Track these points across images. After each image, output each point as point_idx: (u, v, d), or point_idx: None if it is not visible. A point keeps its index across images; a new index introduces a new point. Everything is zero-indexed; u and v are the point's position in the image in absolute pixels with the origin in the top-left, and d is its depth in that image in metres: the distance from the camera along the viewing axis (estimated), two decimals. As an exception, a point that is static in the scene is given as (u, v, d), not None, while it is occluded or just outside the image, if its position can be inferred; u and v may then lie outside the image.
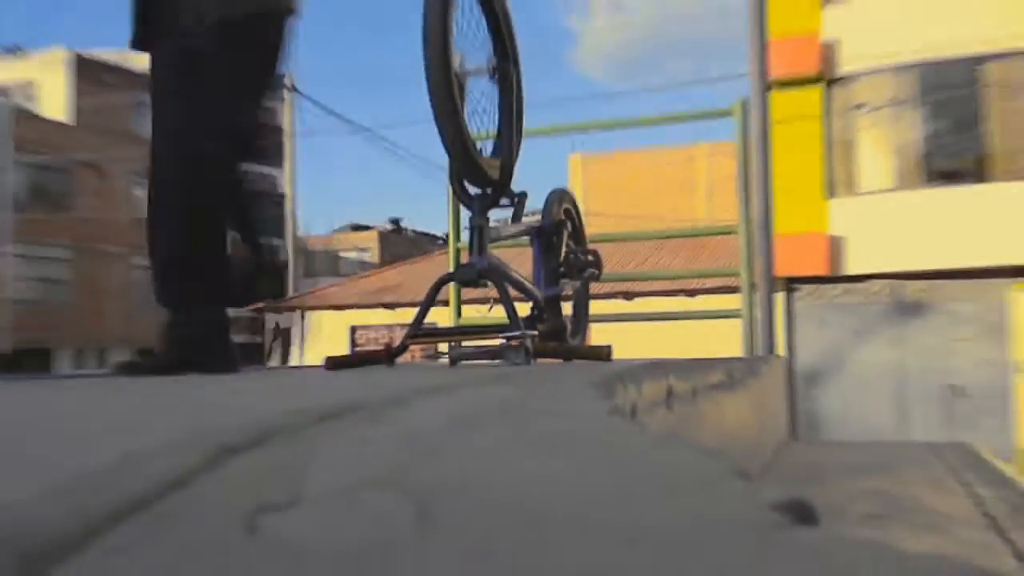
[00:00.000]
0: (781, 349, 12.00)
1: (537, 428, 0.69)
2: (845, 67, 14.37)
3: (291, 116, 25.05)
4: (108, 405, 0.97)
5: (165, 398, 1.03)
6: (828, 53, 14.36)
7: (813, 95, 14.44)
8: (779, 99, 12.01)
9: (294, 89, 24.74)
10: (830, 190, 14.47)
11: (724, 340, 6.67)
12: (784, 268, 11.88)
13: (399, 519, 0.41)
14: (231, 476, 0.49)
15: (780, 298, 13.82)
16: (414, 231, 48.06)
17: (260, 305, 23.53)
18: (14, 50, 31.32)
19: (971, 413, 13.61)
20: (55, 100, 29.68)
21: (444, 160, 2.65)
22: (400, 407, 0.87)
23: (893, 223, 13.95)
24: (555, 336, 2.90)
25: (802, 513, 0.40)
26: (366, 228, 46.63)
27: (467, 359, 2.64)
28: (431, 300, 2.65)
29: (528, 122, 3.01)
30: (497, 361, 2.53)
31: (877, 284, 14.31)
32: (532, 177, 4.77)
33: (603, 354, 2.66)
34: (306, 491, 0.45)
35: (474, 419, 0.72)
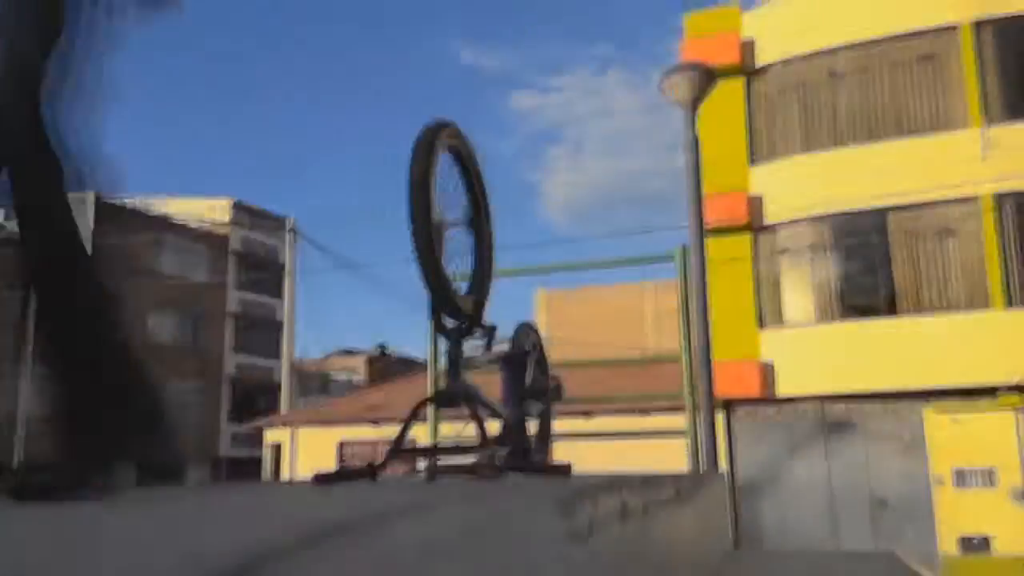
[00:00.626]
0: (723, 463, 11.88)
1: (500, 559, 0.68)
2: (770, 217, 14.83)
3: (291, 254, 25.22)
4: (115, 524, 0.93)
5: (163, 518, 1.00)
6: (755, 206, 14.85)
7: (743, 241, 14.84)
8: (714, 244, 12.33)
9: (294, 231, 24.99)
10: (761, 322, 14.68)
11: (673, 453, 6.61)
12: (723, 390, 11.92)
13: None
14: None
15: (720, 418, 13.80)
16: (398, 355, 47.83)
17: (259, 421, 23.09)
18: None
19: (895, 523, 13.44)
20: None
21: (424, 293, 2.67)
22: (379, 527, 0.85)
23: (817, 351, 14.12)
24: (521, 453, 2.87)
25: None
26: (355, 353, 46.45)
27: (443, 474, 2.60)
28: (411, 420, 2.62)
29: (499, 262, 3.08)
30: (469, 476, 2.49)
31: (805, 405, 14.34)
32: (503, 309, 4.82)
33: (564, 471, 2.63)
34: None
35: (444, 546, 0.70)
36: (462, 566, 0.64)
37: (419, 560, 0.67)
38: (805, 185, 14.52)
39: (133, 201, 32.44)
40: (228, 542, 0.66)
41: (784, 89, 15.22)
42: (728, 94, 14.27)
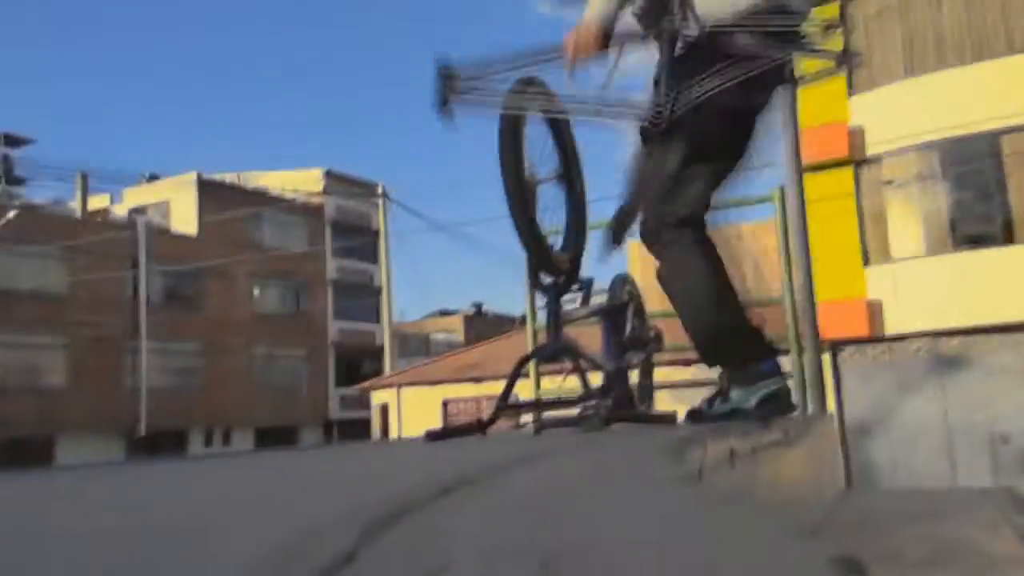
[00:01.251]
0: (831, 407, 11.63)
1: (625, 495, 0.73)
2: (872, 149, 14.21)
3: (385, 219, 25.71)
4: (266, 482, 1.03)
5: (312, 474, 1.09)
6: (856, 138, 14.24)
7: (845, 175, 14.28)
8: (813, 180, 11.90)
9: (386, 196, 25.44)
10: (866, 259, 14.17)
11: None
12: (829, 332, 11.63)
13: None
14: (386, 549, 0.54)
15: (827, 359, 13.48)
16: (494, 313, 48.43)
17: (366, 384, 23.94)
18: (151, 177, 33.04)
19: (1018, 459, 12.93)
20: (185, 216, 31.01)
21: (518, 250, 2.73)
22: (504, 477, 0.91)
23: (927, 286, 13.57)
24: (624, 404, 2.92)
25: (853, 568, 0.43)
26: (452, 313, 47.35)
27: (549, 427, 2.67)
28: (515, 376, 2.71)
29: (592, 214, 3.12)
30: (575, 428, 2.56)
31: (916, 343, 13.84)
32: (598, 261, 4.81)
33: (668, 419, 2.67)
34: (452, 560, 0.49)
35: (572, 488, 0.76)
36: (578, 511, 0.69)
37: (540, 507, 0.73)
38: (909, 112, 13.82)
39: (232, 177, 33.63)
40: (377, 495, 0.74)
41: (883, 11, 14.46)
42: (820, 22, 13.61)
